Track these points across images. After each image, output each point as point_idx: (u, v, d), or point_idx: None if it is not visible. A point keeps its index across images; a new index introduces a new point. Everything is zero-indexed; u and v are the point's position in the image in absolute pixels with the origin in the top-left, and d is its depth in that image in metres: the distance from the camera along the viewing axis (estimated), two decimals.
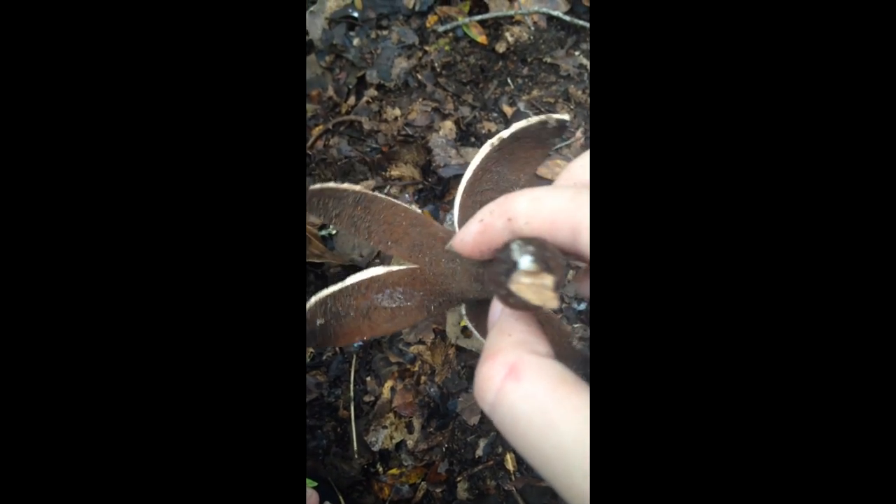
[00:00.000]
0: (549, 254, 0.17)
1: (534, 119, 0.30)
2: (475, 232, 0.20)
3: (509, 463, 0.70)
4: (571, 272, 0.23)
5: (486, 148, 0.30)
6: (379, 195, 0.31)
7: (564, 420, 0.16)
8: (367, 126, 0.90)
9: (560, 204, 0.18)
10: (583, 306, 0.76)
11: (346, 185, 0.31)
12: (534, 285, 0.17)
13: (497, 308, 0.22)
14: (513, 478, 0.70)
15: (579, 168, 0.21)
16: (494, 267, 0.18)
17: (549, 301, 0.17)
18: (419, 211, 0.32)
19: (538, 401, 0.17)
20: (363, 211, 0.32)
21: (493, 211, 0.20)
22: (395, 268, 0.30)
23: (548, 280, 0.17)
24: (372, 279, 0.30)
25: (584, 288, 0.23)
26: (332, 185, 0.32)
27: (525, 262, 0.17)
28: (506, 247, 0.18)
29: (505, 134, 0.30)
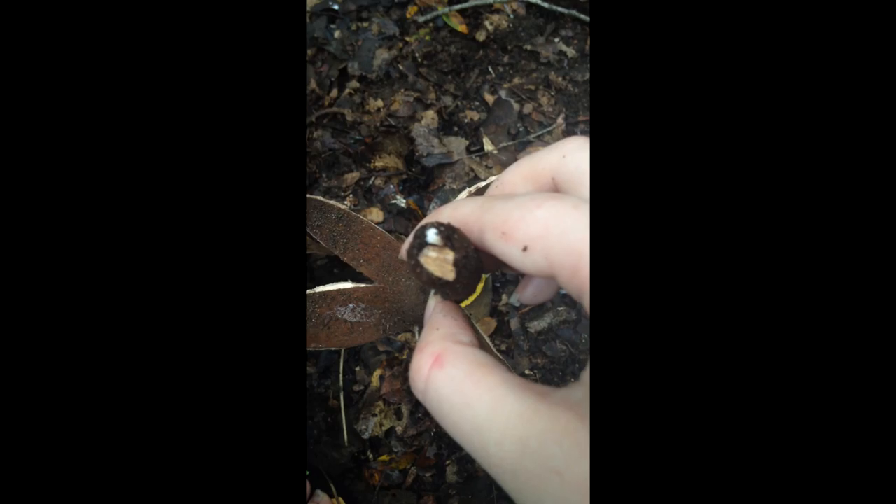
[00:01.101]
0: (455, 235, 0.20)
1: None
2: (412, 235, 0.24)
3: None
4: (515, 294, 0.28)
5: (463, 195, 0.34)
6: (360, 217, 0.34)
7: (478, 398, 0.18)
8: (350, 118, 0.90)
9: (471, 209, 0.21)
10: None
11: (332, 202, 0.34)
12: (438, 259, 0.20)
13: (430, 307, 0.24)
14: None
15: (509, 175, 0.25)
16: (412, 242, 0.21)
17: (448, 273, 0.20)
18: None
19: (457, 383, 0.19)
20: (344, 228, 0.34)
21: (427, 219, 0.23)
22: (361, 284, 0.32)
23: (449, 255, 0.20)
24: (339, 291, 0.32)
25: (523, 296, 0.26)
26: (318, 197, 0.34)
27: (431, 235, 0.20)
28: (422, 228, 0.20)
29: (479, 185, 0.33)
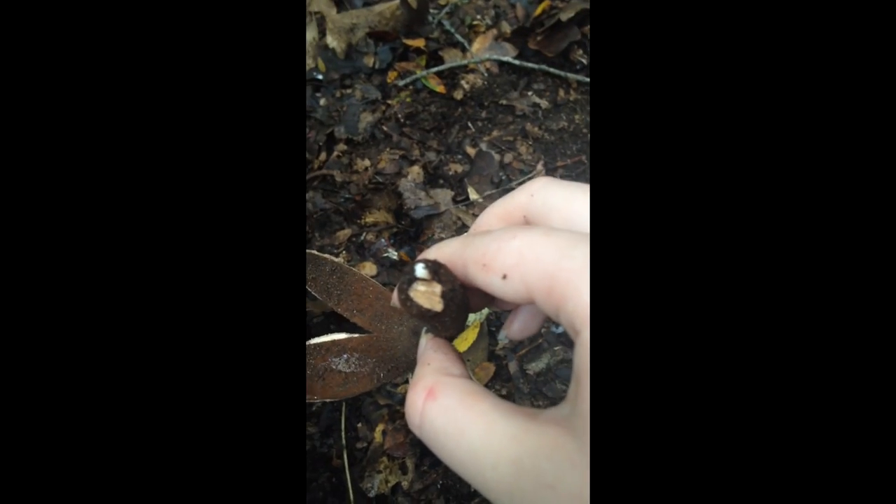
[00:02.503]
0: (442, 269, 0.22)
1: None
2: (403, 273, 0.25)
3: None
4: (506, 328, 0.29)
5: None
6: (352, 269, 0.35)
7: (472, 425, 0.19)
8: (339, 178, 0.94)
9: (454, 247, 0.23)
10: (560, 329, 0.79)
11: (326, 256, 0.35)
12: (426, 292, 0.21)
13: (422, 345, 0.26)
14: None
15: (485, 217, 0.27)
16: (402, 278, 0.22)
17: (436, 305, 0.21)
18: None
19: (450, 413, 0.20)
20: (337, 280, 0.35)
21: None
22: (354, 335, 0.33)
23: (437, 288, 0.21)
24: (333, 342, 0.33)
25: (511, 331, 0.28)
26: (313, 252, 0.36)
27: (420, 269, 0.21)
28: (411, 264, 0.22)
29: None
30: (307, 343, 0.33)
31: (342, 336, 0.33)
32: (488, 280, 0.21)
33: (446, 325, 0.24)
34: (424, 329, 0.27)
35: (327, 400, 0.32)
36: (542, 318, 0.27)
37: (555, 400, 0.74)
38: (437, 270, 0.22)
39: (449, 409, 0.20)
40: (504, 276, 0.20)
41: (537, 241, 0.19)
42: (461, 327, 0.26)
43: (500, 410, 0.19)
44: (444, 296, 0.21)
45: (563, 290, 0.18)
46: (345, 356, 0.33)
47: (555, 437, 0.17)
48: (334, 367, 0.33)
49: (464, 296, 0.23)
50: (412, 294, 0.21)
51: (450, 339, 0.27)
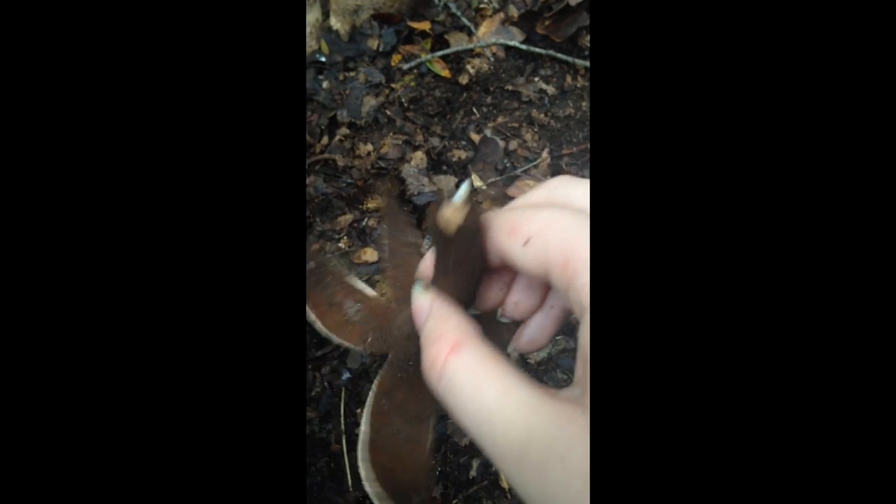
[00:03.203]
0: (479, 208, 0.23)
1: None
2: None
3: (504, 482, 0.70)
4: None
5: None
6: (411, 241, 0.36)
7: (489, 386, 0.19)
8: (341, 163, 0.93)
9: (486, 216, 0.23)
10: None
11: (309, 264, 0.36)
12: (452, 214, 0.22)
13: (424, 308, 0.25)
14: (508, 496, 0.70)
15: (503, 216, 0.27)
16: (449, 190, 0.23)
17: (451, 227, 0.22)
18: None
19: (470, 371, 0.20)
20: (399, 244, 0.36)
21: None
22: (376, 295, 0.35)
23: (461, 216, 0.22)
24: (361, 291, 0.34)
25: (520, 343, 0.28)
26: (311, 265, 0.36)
27: (464, 188, 0.23)
28: (464, 180, 0.22)
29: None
30: (350, 275, 0.34)
31: (370, 292, 0.34)
32: (510, 245, 0.22)
33: (448, 268, 0.24)
34: (423, 285, 0.26)
35: (318, 325, 0.32)
36: (552, 330, 0.28)
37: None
38: (475, 207, 0.22)
39: (470, 366, 0.20)
40: (526, 242, 0.21)
41: (565, 215, 0.20)
42: (465, 293, 0.25)
43: (517, 377, 0.19)
44: (460, 225, 0.22)
45: (577, 266, 0.19)
46: (358, 306, 0.33)
47: (569, 411, 0.17)
48: (345, 308, 0.33)
49: (480, 250, 0.23)
50: (443, 207, 0.22)
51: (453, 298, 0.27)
